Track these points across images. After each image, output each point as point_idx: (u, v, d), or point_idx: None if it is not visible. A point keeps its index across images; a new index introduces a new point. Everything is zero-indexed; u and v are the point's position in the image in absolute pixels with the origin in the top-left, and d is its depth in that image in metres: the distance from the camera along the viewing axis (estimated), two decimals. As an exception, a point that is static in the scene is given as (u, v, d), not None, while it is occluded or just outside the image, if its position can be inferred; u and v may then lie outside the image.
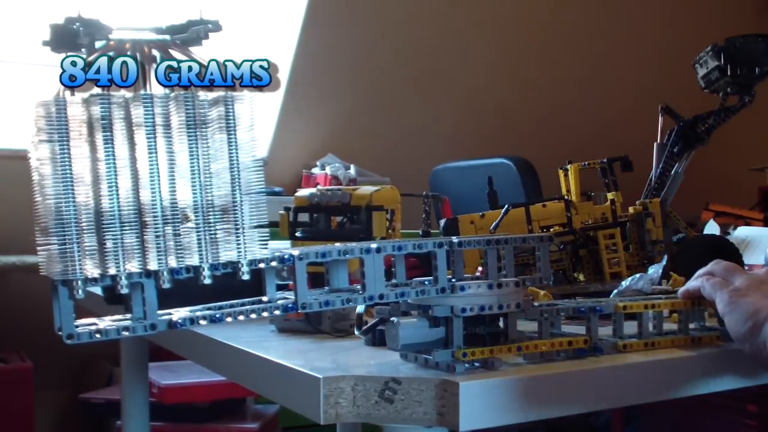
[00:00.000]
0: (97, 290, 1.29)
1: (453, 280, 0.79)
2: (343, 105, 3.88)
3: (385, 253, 0.76)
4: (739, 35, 1.27)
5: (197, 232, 0.68)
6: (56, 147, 0.64)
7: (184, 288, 0.73)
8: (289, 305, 0.73)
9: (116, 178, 0.66)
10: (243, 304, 0.75)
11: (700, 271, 0.91)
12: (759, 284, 0.85)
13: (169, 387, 2.41)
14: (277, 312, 0.74)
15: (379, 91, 3.92)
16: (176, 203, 0.68)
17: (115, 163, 0.66)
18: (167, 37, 0.71)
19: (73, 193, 0.65)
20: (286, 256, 0.73)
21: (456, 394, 0.69)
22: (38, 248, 0.66)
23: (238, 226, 0.69)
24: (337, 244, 0.77)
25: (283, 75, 3.70)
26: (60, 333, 0.68)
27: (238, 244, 0.69)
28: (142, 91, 0.67)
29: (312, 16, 3.61)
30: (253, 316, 0.73)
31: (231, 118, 0.69)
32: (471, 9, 3.97)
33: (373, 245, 0.75)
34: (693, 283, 0.90)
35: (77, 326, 0.68)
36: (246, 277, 0.70)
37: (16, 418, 2.80)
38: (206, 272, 0.69)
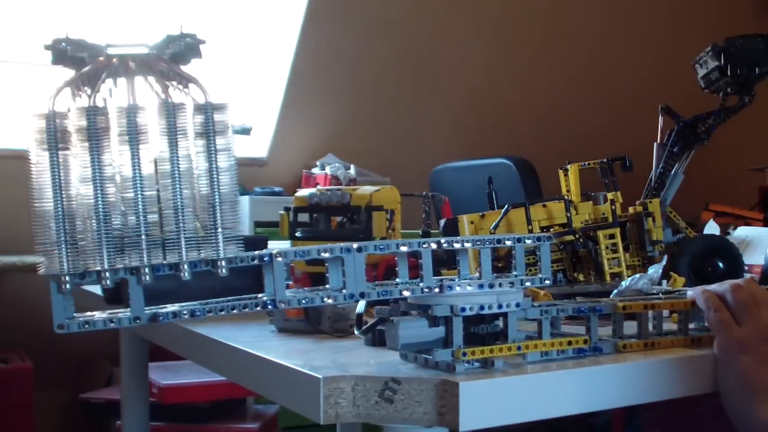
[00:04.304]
0: (98, 291, 1.29)
1: (456, 279, 0.79)
2: (343, 105, 3.88)
3: (367, 252, 0.76)
4: (739, 35, 1.27)
5: (177, 231, 0.73)
6: (49, 155, 0.71)
7: (187, 288, 0.75)
8: (268, 302, 0.75)
9: (101, 183, 0.72)
10: (228, 301, 0.77)
11: (714, 288, 0.89)
12: (764, 340, 0.84)
13: (169, 387, 2.41)
14: (257, 308, 0.75)
15: (379, 91, 3.92)
16: (158, 205, 0.73)
17: (100, 170, 0.72)
18: (152, 52, 0.75)
19: (62, 198, 0.71)
20: (264, 256, 0.75)
21: (456, 394, 0.69)
22: (35, 248, 0.71)
23: (216, 226, 0.73)
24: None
25: (283, 75, 3.71)
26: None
27: (216, 243, 0.73)
28: (127, 103, 0.72)
29: (312, 15, 3.61)
30: (234, 312, 0.75)
31: (210, 125, 0.73)
32: (471, 9, 3.97)
33: (354, 245, 0.76)
34: (700, 301, 0.89)
35: (69, 318, 0.73)
36: (224, 273, 0.73)
37: (16, 418, 2.80)
38: (186, 269, 0.73)
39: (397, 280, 0.79)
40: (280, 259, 0.74)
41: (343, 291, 0.76)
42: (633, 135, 2.41)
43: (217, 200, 0.73)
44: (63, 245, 0.71)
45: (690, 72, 1.34)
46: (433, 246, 0.78)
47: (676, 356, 0.85)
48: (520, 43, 4.15)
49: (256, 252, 0.75)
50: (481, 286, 0.77)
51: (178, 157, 0.72)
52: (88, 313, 0.75)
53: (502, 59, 4.14)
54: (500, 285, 0.78)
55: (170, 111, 0.72)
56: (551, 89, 4.25)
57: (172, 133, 0.72)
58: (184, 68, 0.74)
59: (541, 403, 0.75)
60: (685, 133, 1.31)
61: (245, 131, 3.27)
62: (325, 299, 0.76)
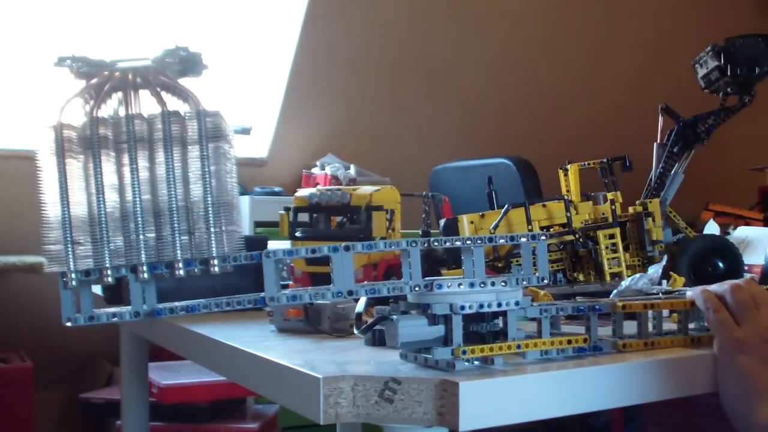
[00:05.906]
0: (98, 291, 1.29)
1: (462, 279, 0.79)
2: (343, 105, 3.88)
3: (355, 251, 0.77)
4: (739, 35, 1.27)
5: (173, 232, 0.77)
6: (57, 162, 0.76)
7: (189, 289, 0.83)
8: (258, 299, 0.78)
9: (104, 188, 0.77)
10: (221, 299, 0.80)
11: (714, 289, 0.89)
12: (763, 341, 0.83)
13: (169, 387, 2.42)
14: (249, 305, 0.78)
15: (379, 91, 3.92)
16: (156, 207, 0.78)
17: (102, 177, 0.77)
18: (152, 65, 0.80)
19: (68, 202, 0.76)
20: (254, 255, 0.77)
21: (456, 394, 0.69)
22: (43, 248, 0.76)
23: (209, 227, 0.77)
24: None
25: (283, 75, 3.71)
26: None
27: (209, 243, 0.77)
28: (127, 113, 0.78)
29: (312, 15, 3.61)
30: (228, 308, 0.79)
31: (203, 131, 0.78)
32: (471, 9, 3.97)
33: (342, 244, 0.77)
34: (700, 301, 0.88)
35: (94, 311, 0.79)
36: (215, 270, 0.78)
37: (16, 418, 2.79)
38: (180, 267, 0.77)
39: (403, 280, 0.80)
40: (269, 257, 0.77)
41: (331, 288, 0.77)
42: (633, 135, 2.41)
43: (209, 202, 0.77)
44: (69, 245, 0.76)
45: (690, 72, 1.34)
46: (421, 246, 0.78)
47: (676, 356, 0.85)
48: (520, 43, 4.15)
49: (247, 252, 0.78)
50: (472, 284, 0.77)
51: (173, 161, 0.77)
52: (94, 311, 0.79)
53: (502, 59, 4.14)
54: (492, 284, 0.78)
55: (166, 119, 0.77)
56: (551, 89, 4.25)
57: (168, 140, 0.77)
58: (188, 80, 0.79)
59: (541, 403, 0.75)
60: (685, 133, 1.31)
61: (245, 131, 3.27)
62: (313, 296, 0.78)
